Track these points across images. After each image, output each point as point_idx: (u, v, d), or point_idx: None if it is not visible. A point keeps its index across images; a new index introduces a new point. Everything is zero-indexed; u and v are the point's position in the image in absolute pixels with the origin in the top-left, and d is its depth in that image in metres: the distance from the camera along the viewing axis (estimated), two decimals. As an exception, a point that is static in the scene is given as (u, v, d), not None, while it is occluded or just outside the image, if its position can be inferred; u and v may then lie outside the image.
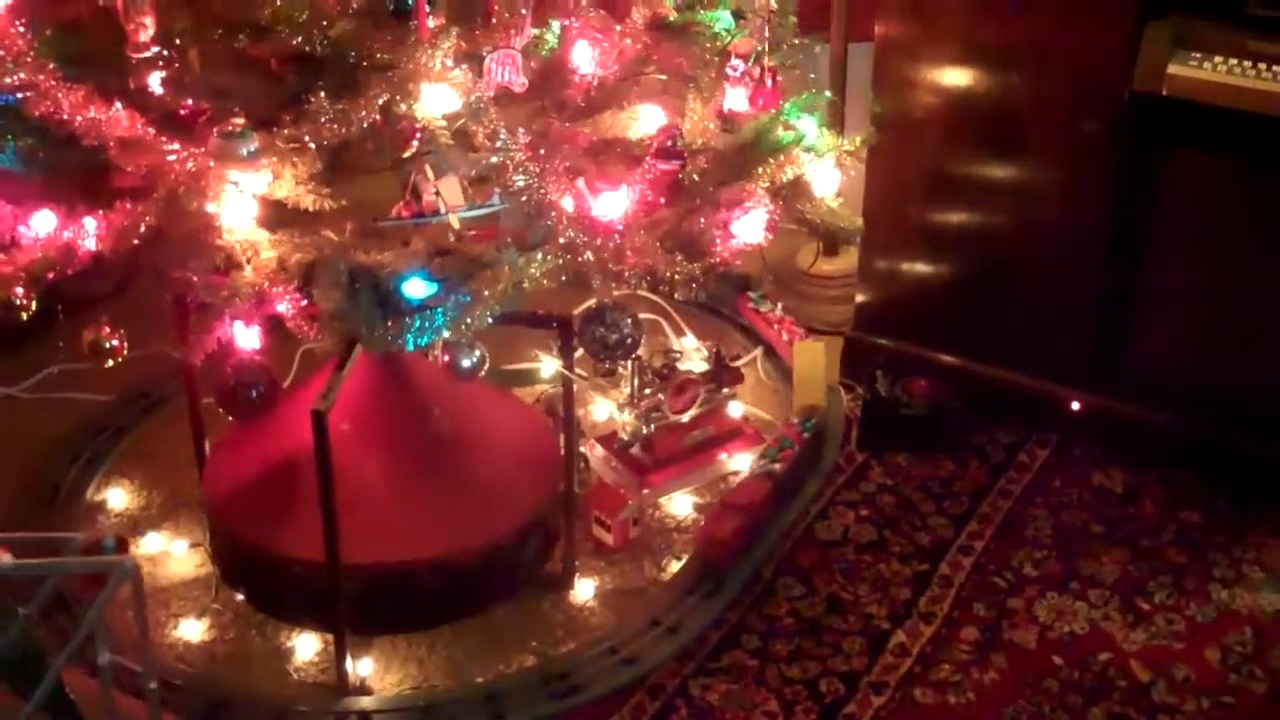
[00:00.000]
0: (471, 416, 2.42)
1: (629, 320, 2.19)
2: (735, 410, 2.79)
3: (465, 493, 2.33)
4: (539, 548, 2.44)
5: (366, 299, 1.98)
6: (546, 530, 2.46)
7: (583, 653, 2.28)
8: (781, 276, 3.23)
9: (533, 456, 2.47)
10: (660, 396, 2.65)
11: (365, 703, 2.18)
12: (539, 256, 2.04)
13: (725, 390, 2.74)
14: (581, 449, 2.66)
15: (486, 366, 2.18)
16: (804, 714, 2.20)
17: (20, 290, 2.01)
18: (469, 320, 2.00)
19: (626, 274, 2.13)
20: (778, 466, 2.59)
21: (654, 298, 3.02)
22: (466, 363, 2.17)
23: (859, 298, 2.97)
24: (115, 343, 2.16)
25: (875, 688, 2.25)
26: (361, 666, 2.24)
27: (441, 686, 2.22)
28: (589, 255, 2.09)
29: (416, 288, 1.98)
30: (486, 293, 2.00)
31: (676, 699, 2.22)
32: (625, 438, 2.66)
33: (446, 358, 2.16)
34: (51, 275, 2.03)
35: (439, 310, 2.00)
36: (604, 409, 2.86)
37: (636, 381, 2.64)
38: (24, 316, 2.04)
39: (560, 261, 2.07)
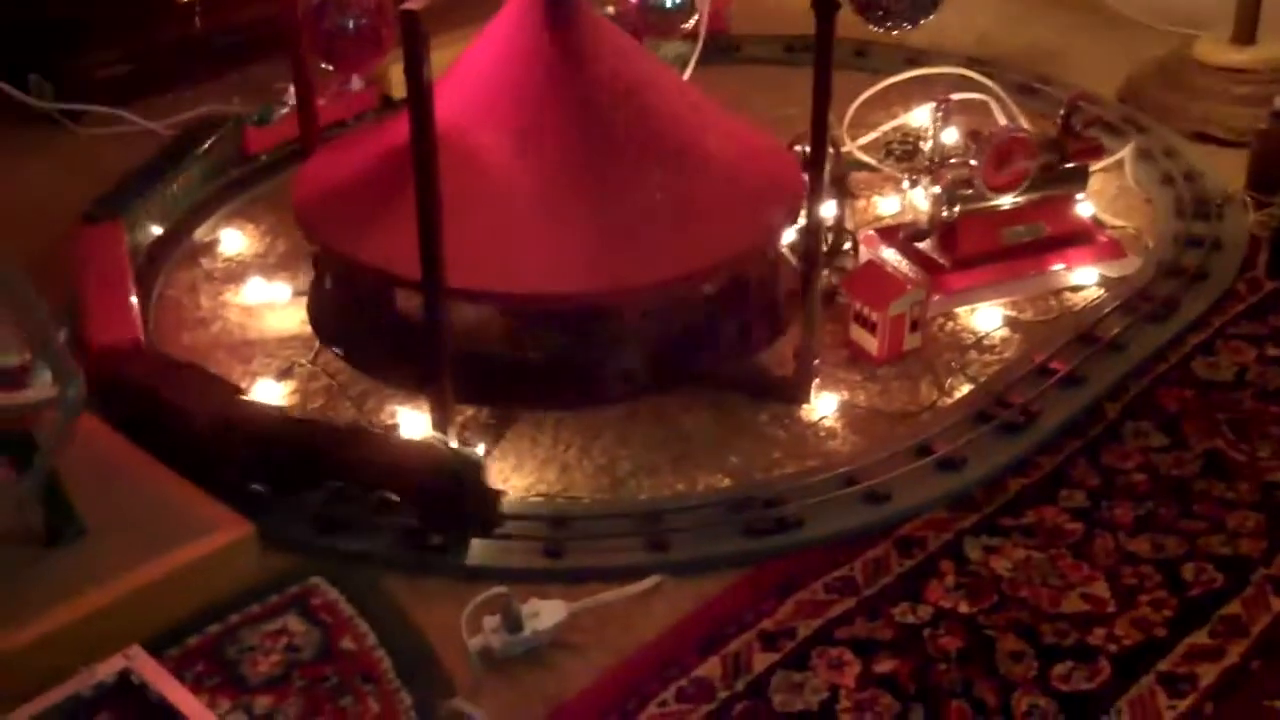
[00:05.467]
0: (673, 119, 1.63)
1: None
2: (1084, 211, 1.95)
3: (645, 218, 1.54)
4: (751, 331, 1.67)
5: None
6: (768, 310, 1.69)
7: (805, 479, 1.50)
8: (1171, 69, 2.34)
9: (754, 193, 1.65)
10: (973, 163, 1.83)
11: (469, 505, 1.46)
12: None
13: (1070, 166, 1.89)
14: (850, 228, 1.88)
15: (693, 19, 1.46)
16: (1151, 608, 1.35)
17: None
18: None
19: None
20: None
21: (979, 78, 2.20)
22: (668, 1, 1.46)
23: (1280, 98, 2.07)
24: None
25: (1277, 585, 1.38)
26: (480, 459, 1.52)
27: (586, 499, 1.49)
28: None
29: None
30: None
31: (942, 559, 1.42)
32: (923, 225, 1.86)
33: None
34: None
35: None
36: (895, 203, 2.06)
37: (940, 145, 1.84)
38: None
39: None
